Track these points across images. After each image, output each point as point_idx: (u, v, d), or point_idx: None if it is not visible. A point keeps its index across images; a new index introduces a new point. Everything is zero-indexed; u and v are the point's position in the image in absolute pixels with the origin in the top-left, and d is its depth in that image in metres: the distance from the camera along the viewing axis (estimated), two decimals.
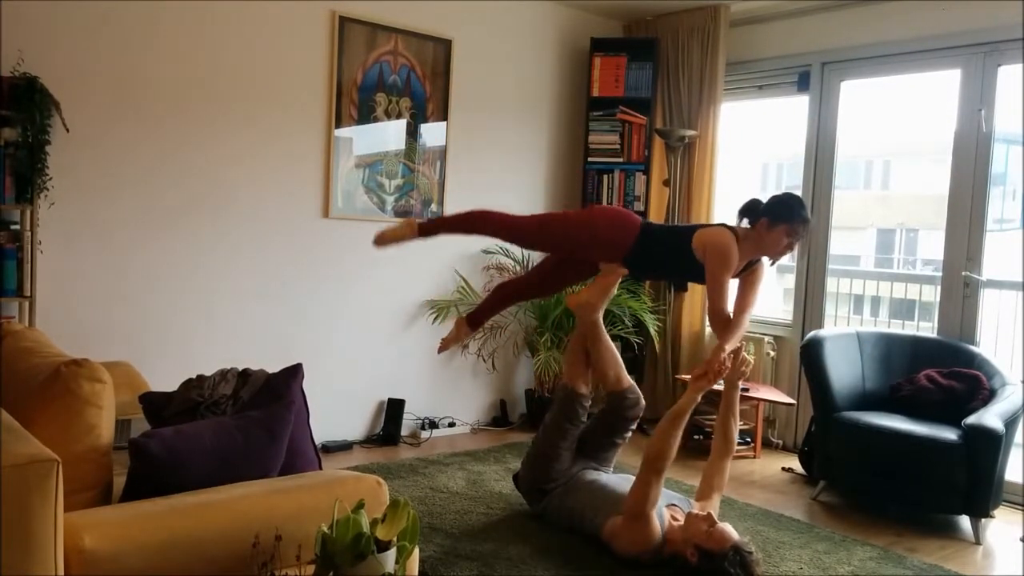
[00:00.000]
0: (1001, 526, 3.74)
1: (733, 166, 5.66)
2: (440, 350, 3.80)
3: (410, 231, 3.36)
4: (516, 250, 5.15)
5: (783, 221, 3.07)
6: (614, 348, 3.55)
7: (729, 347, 3.14)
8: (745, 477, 4.35)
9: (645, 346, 5.16)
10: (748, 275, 3.25)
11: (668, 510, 3.08)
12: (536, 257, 5.24)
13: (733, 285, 3.26)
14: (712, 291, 3.14)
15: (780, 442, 5.01)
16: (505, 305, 3.76)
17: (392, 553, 1.74)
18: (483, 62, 4.97)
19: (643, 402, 3.55)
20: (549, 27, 5.27)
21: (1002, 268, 4.25)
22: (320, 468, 2.29)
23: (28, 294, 3.39)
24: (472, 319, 3.66)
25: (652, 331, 5.05)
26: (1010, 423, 3.55)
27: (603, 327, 3.51)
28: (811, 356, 4.07)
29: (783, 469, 4.53)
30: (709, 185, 5.13)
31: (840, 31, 4.76)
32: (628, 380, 3.54)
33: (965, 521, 3.67)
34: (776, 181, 9.64)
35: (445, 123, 4.83)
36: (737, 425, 3.33)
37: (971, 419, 3.54)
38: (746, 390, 4.63)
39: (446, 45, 4.78)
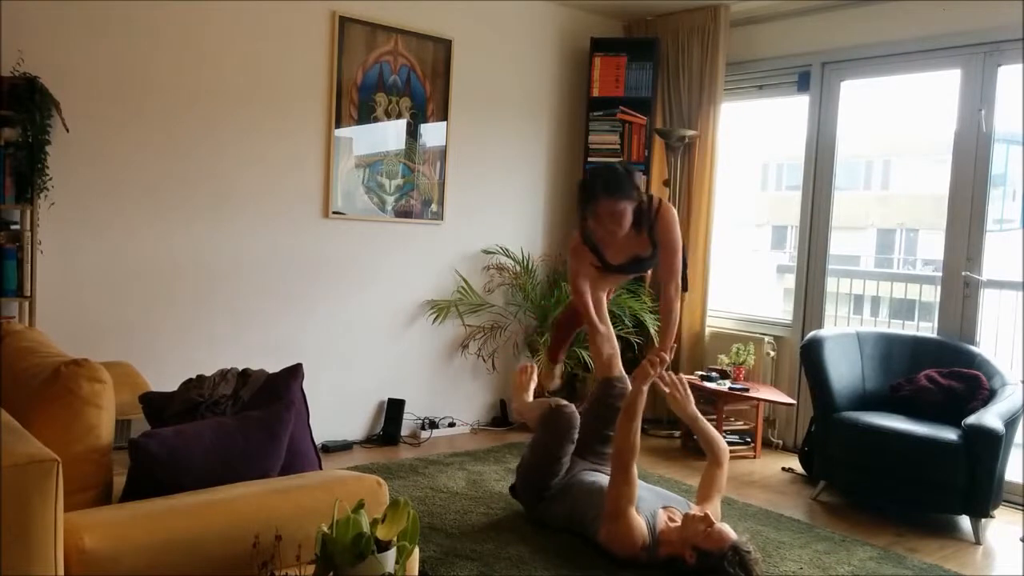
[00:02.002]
0: (1001, 526, 3.74)
1: (733, 166, 5.67)
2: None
3: (550, 372, 3.77)
4: (516, 250, 5.16)
5: (583, 211, 3.12)
6: (612, 331, 3.57)
7: (666, 344, 3.19)
8: (745, 477, 4.35)
9: (645, 346, 5.16)
10: (660, 244, 3.20)
11: (664, 511, 3.07)
12: (535, 257, 5.26)
13: None
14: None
15: (780, 442, 5.01)
16: (571, 335, 3.90)
17: (392, 553, 1.74)
18: (483, 62, 4.97)
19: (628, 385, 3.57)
20: (549, 27, 5.28)
21: (1002, 268, 4.26)
22: (320, 468, 2.29)
23: (28, 294, 3.39)
24: (551, 357, 3.85)
25: (652, 331, 5.05)
26: (1010, 423, 3.55)
27: (605, 306, 3.52)
28: (811, 356, 4.07)
29: (783, 469, 4.53)
30: (709, 185, 5.13)
31: (840, 31, 4.76)
32: (620, 368, 3.57)
33: (965, 521, 3.67)
34: (776, 181, 9.65)
35: (445, 123, 4.83)
36: (712, 435, 3.37)
37: (971, 419, 3.54)
38: (745, 390, 4.64)
39: (446, 45, 4.78)
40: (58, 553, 1.49)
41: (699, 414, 3.40)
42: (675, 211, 3.20)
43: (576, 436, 3.38)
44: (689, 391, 3.38)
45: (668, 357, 3.17)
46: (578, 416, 3.40)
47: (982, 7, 4.17)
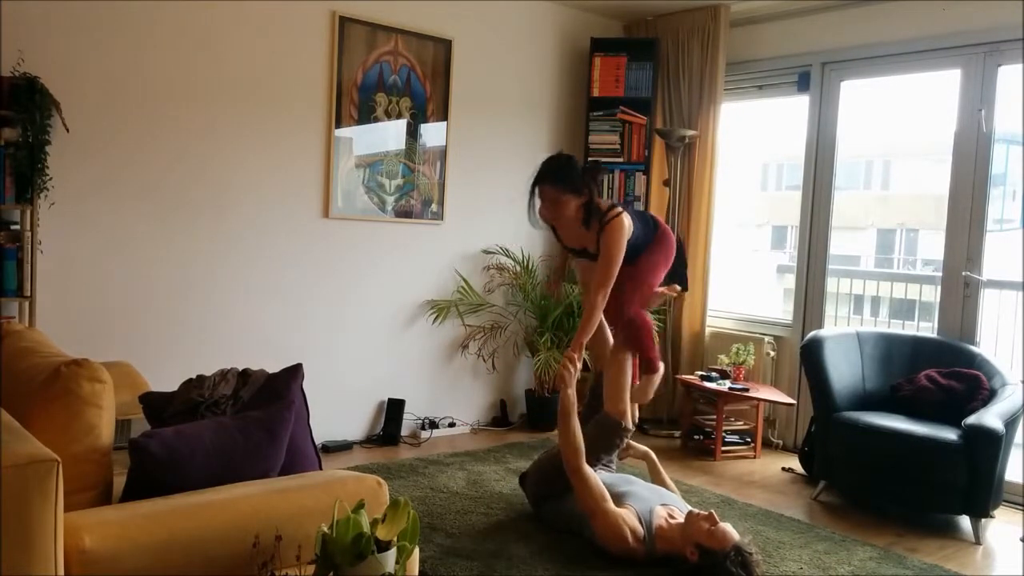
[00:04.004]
0: (1001, 526, 3.74)
1: (733, 166, 5.67)
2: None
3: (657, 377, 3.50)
4: (516, 250, 5.16)
5: (531, 188, 3.32)
6: (607, 330, 3.62)
7: (581, 338, 3.27)
8: (745, 477, 4.35)
9: None
10: (601, 251, 3.32)
11: (663, 508, 3.08)
12: (535, 257, 5.26)
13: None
14: None
15: (780, 442, 5.01)
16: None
17: (392, 553, 1.74)
18: (483, 62, 4.97)
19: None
20: (549, 27, 5.28)
21: (1002, 268, 4.26)
22: (320, 468, 2.29)
23: (28, 294, 3.39)
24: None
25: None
26: (1010, 423, 3.55)
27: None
28: (811, 356, 4.07)
29: (783, 469, 4.53)
30: (709, 185, 5.13)
31: (840, 31, 4.76)
32: None
33: (965, 521, 3.67)
34: (776, 181, 9.66)
35: (445, 123, 4.83)
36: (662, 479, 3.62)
37: (971, 419, 3.54)
38: (745, 390, 4.64)
39: (446, 45, 4.78)
40: (58, 553, 1.49)
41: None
42: (625, 227, 3.25)
43: (615, 454, 3.48)
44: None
45: (579, 356, 3.25)
46: (629, 433, 3.48)
47: (982, 7, 4.17)
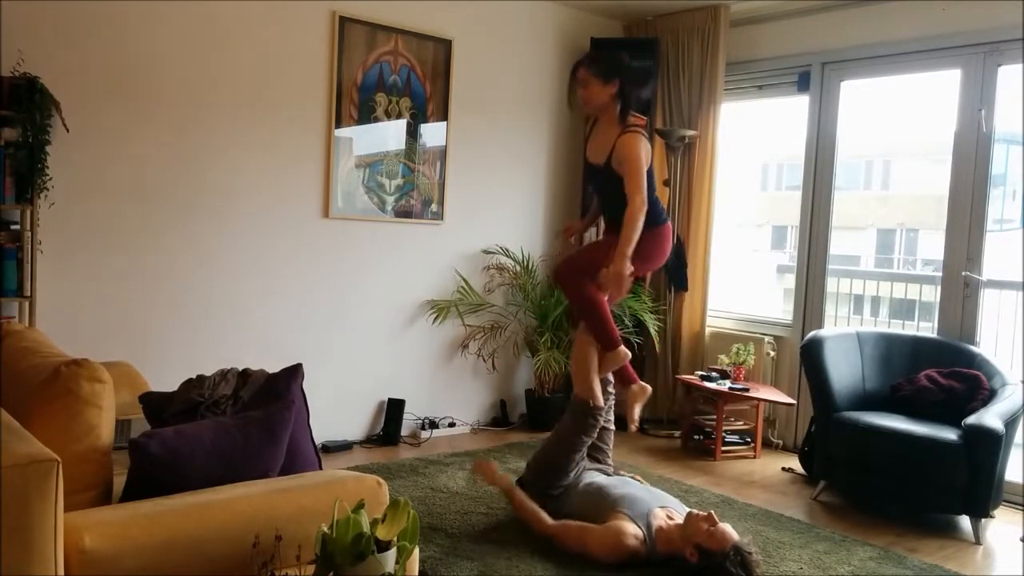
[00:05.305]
0: (1001, 526, 3.74)
1: (733, 166, 5.67)
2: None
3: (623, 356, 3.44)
4: (516, 250, 5.16)
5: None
6: None
7: (625, 248, 3.20)
8: (745, 477, 4.35)
9: (645, 346, 5.16)
10: (621, 163, 3.33)
11: (662, 510, 3.08)
12: (535, 257, 5.27)
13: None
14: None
15: (780, 442, 5.01)
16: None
17: (392, 553, 1.74)
18: (483, 62, 4.97)
19: (611, 378, 3.59)
20: (549, 27, 5.28)
21: (1002, 268, 4.26)
22: (320, 468, 2.29)
23: (28, 294, 3.39)
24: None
25: (652, 331, 5.05)
26: (1010, 423, 3.55)
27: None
28: (811, 356, 4.07)
29: (783, 469, 4.53)
30: (709, 185, 5.13)
31: (840, 31, 4.76)
32: None
33: (965, 521, 3.68)
34: (776, 181, 9.66)
35: (445, 123, 4.83)
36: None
37: (971, 419, 3.54)
38: (745, 390, 4.64)
39: (446, 45, 4.78)
40: (58, 553, 1.49)
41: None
42: (642, 146, 3.25)
43: (596, 432, 3.44)
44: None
45: (625, 268, 3.18)
46: (603, 411, 3.44)
47: (982, 7, 4.17)
